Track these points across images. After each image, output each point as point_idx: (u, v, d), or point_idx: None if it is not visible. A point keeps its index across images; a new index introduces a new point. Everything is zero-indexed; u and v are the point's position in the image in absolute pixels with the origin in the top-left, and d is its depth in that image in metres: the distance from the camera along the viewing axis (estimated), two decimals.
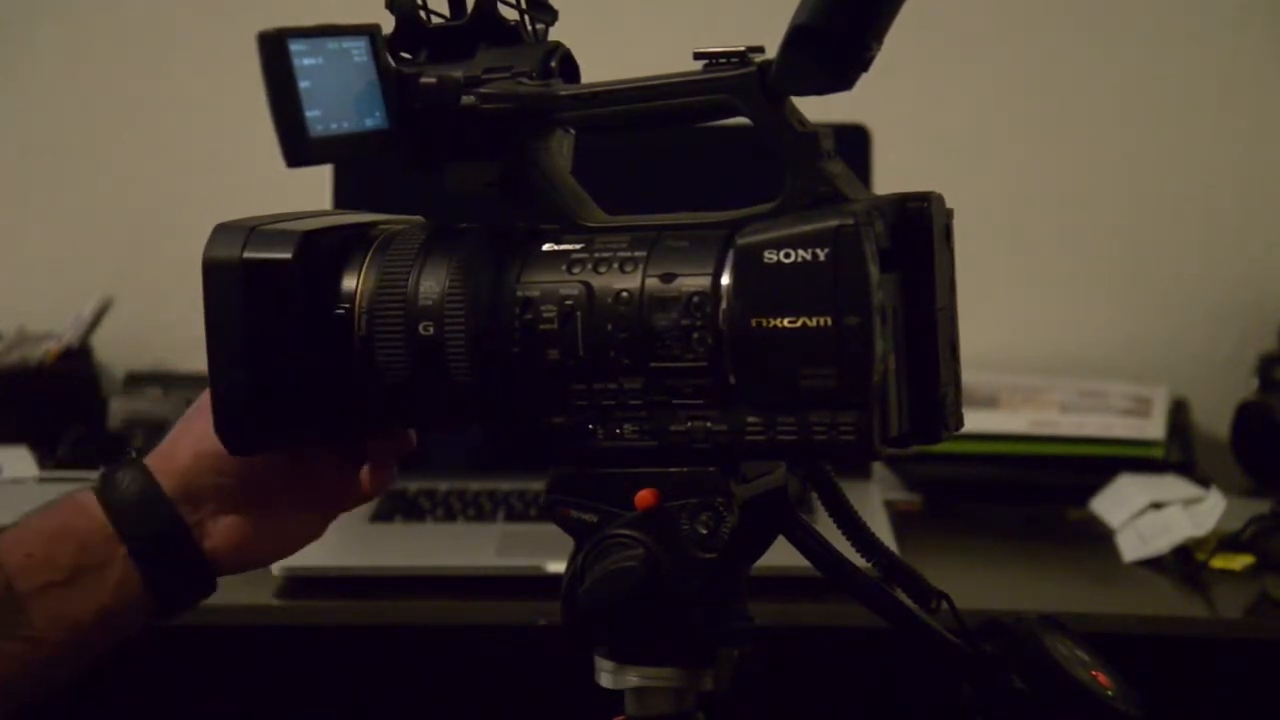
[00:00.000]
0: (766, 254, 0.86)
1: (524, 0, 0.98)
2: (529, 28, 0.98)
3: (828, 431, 0.86)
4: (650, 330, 0.89)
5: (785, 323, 0.86)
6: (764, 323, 0.86)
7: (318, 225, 0.98)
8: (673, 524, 0.90)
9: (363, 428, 1.01)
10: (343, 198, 1.94)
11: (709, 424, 0.89)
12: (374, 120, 0.95)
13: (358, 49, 0.95)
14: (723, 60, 0.90)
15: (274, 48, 0.90)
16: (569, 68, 0.97)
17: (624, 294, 0.90)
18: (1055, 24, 2.29)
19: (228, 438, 0.97)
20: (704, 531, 0.90)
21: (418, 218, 1.00)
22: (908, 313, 0.89)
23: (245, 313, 0.95)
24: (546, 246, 0.93)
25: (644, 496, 0.90)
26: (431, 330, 0.94)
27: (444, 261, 0.95)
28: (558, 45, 0.97)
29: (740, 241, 0.87)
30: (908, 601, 0.95)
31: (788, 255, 0.86)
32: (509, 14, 0.98)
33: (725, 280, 0.88)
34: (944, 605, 0.96)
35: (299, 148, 0.90)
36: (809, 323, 0.86)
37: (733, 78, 0.89)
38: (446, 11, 0.98)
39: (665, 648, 0.92)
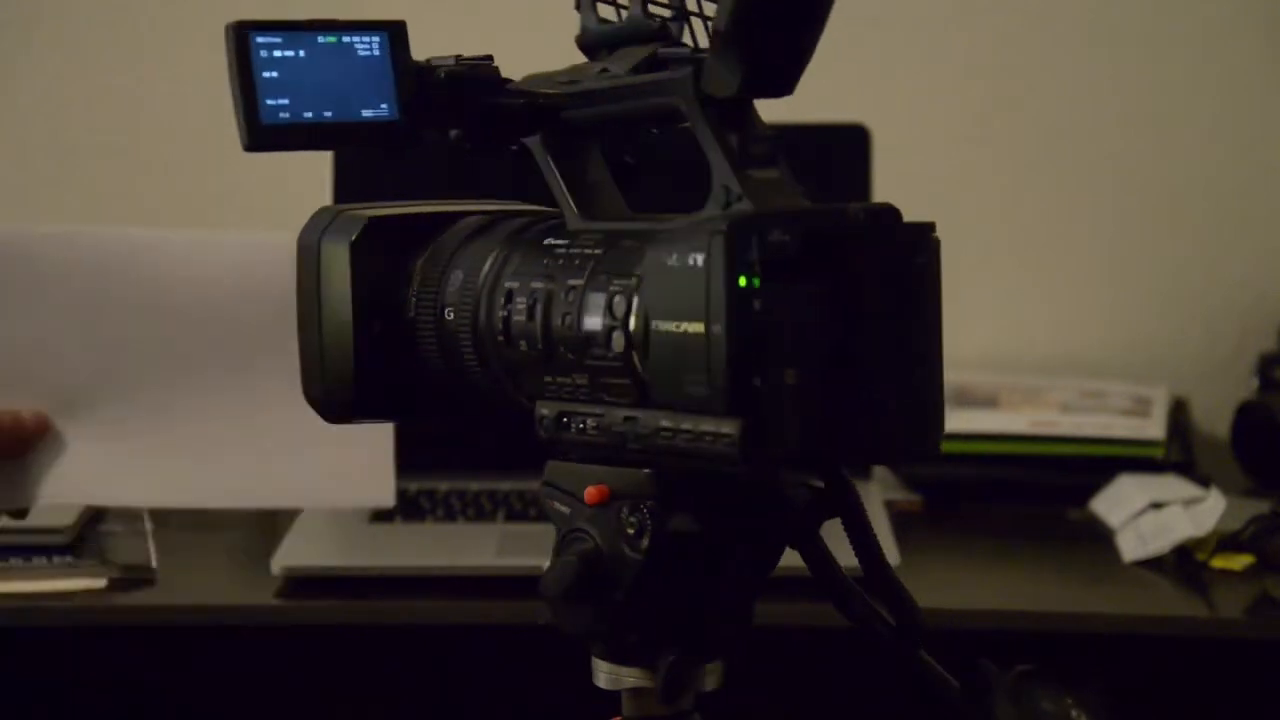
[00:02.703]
0: (665, 258, 0.85)
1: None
2: (683, 28, 0.96)
3: (714, 441, 0.84)
4: (584, 328, 0.89)
5: (673, 327, 0.85)
6: (659, 326, 0.85)
7: (399, 212, 1.01)
8: (617, 521, 0.91)
9: (430, 410, 1.04)
10: (343, 194, 1.94)
11: (637, 426, 0.88)
12: (376, 111, 0.97)
13: (365, 43, 0.97)
14: (674, 63, 0.89)
15: (235, 38, 0.95)
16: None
17: (571, 290, 0.90)
18: (1056, 24, 2.29)
19: (312, 404, 1.02)
20: (631, 533, 0.90)
21: (542, 207, 1.01)
22: (830, 328, 0.84)
23: (319, 291, 0.99)
24: (546, 241, 0.94)
25: (591, 493, 0.91)
26: (452, 316, 0.96)
27: (474, 251, 0.97)
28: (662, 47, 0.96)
29: (651, 246, 0.86)
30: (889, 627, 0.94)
31: (678, 261, 0.84)
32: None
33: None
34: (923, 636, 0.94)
35: (252, 133, 0.94)
36: (688, 329, 0.84)
37: (672, 81, 0.88)
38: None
39: (610, 645, 0.94)
